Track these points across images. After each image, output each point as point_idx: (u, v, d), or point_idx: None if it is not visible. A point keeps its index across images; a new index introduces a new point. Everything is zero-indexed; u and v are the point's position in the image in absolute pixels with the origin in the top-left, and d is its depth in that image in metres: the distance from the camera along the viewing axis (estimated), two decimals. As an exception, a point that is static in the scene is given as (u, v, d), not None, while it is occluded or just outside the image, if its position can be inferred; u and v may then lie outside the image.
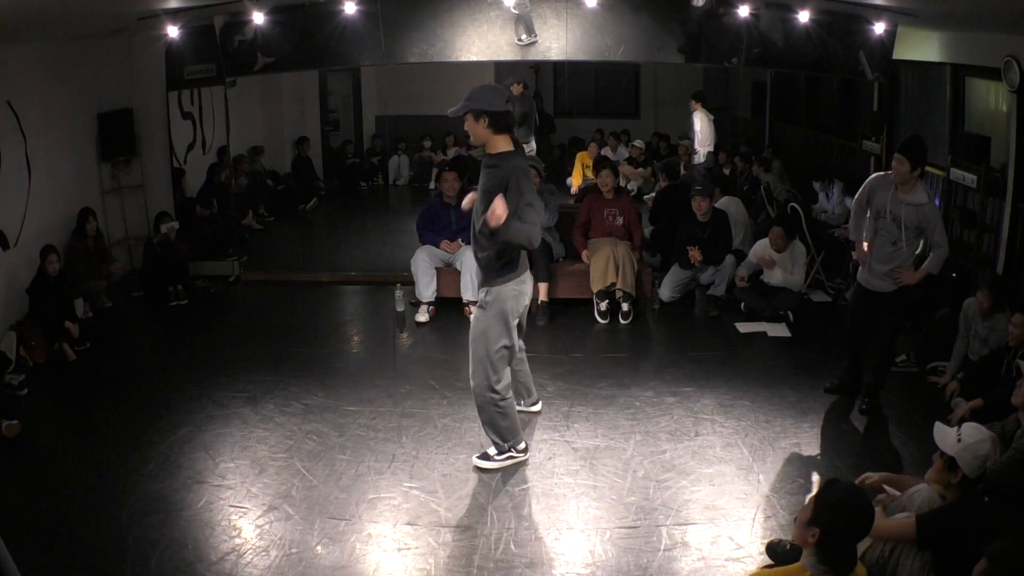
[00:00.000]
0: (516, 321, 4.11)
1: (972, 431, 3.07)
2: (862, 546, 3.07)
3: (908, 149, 4.46)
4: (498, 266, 3.95)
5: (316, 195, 10.73)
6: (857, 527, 2.47)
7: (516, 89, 9.32)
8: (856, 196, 4.87)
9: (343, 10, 6.93)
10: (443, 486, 4.05)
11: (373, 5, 6.98)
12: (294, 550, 3.53)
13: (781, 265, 6.46)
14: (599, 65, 12.58)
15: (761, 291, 6.51)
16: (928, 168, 7.35)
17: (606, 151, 11.42)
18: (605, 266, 6.35)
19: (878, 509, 3.21)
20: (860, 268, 4.84)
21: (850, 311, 5.08)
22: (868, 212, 4.75)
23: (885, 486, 3.39)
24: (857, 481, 3.33)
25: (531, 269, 6.46)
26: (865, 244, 4.76)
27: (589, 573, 3.40)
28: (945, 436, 3.06)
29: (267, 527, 3.70)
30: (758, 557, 3.46)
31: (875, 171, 6.04)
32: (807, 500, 2.58)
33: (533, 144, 9.58)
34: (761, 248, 6.61)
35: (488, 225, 3.79)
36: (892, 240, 4.59)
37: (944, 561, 2.93)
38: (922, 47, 7.18)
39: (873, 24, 6.72)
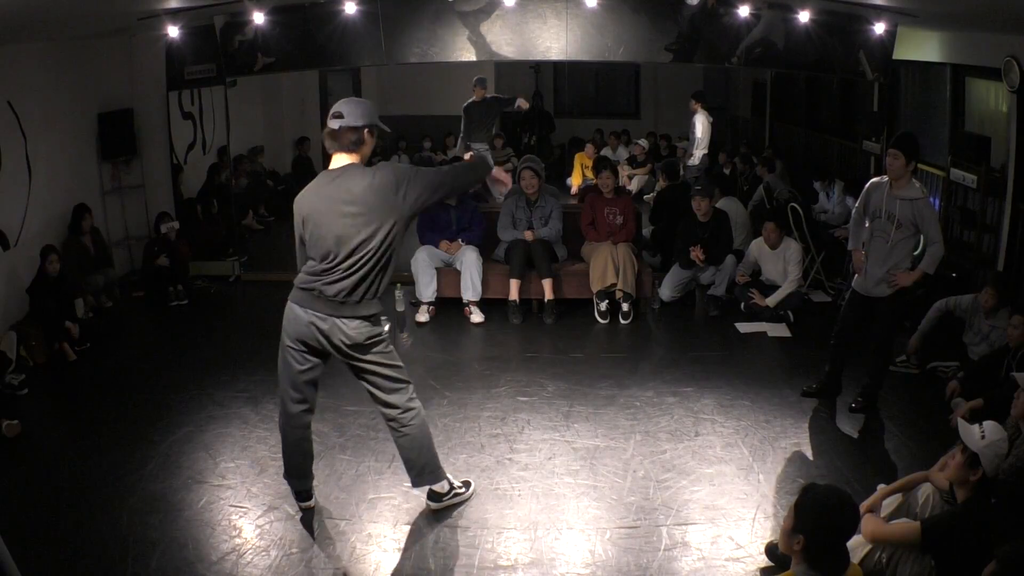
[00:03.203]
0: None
1: (994, 428, 3.04)
2: (860, 551, 3.07)
3: (901, 143, 4.48)
4: None
5: (316, 195, 10.69)
6: (843, 526, 2.45)
7: (477, 93, 9.04)
8: (856, 204, 4.84)
9: (343, 10, 6.93)
10: (443, 486, 4.04)
11: (373, 5, 6.98)
12: (294, 550, 3.53)
13: (774, 263, 6.47)
14: (599, 65, 12.59)
15: (760, 291, 6.51)
16: (928, 168, 7.37)
17: (606, 151, 11.42)
18: (604, 267, 6.36)
19: (872, 514, 3.20)
20: (856, 275, 4.80)
21: (841, 316, 4.99)
22: (866, 219, 4.71)
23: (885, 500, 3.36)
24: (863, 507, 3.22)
25: (535, 269, 6.46)
26: (863, 251, 4.71)
27: (589, 573, 3.40)
28: (970, 433, 3.04)
29: (267, 527, 3.70)
30: (758, 557, 3.46)
31: (875, 171, 6.04)
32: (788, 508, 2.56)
33: (488, 154, 9.36)
34: (756, 247, 6.62)
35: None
36: (886, 240, 4.56)
37: (946, 564, 2.92)
38: (922, 47, 7.19)
39: (873, 24, 6.72)
